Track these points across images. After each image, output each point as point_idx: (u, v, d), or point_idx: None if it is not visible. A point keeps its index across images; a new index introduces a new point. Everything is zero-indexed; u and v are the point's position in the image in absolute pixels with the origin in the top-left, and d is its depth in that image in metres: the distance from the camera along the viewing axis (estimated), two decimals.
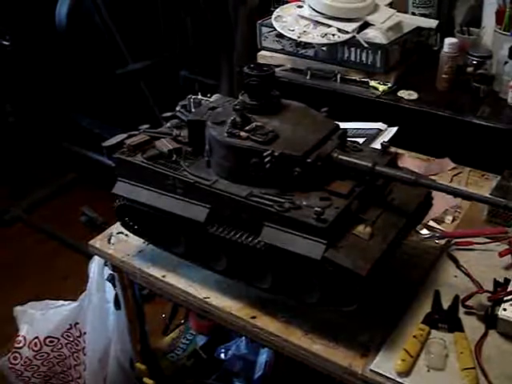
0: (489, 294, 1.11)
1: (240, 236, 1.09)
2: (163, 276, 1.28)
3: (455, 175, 1.58)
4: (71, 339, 1.65)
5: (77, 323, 1.62)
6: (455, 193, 1.06)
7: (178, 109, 1.38)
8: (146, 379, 1.56)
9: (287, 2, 2.80)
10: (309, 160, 1.07)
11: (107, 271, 1.47)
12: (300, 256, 1.02)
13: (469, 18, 2.14)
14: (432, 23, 1.93)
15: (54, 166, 3.11)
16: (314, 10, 1.86)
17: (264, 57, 2.04)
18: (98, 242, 1.39)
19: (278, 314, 1.16)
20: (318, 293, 1.06)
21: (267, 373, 1.54)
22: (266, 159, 1.05)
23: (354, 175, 1.11)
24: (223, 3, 2.95)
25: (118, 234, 1.40)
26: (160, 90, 2.92)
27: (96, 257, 1.49)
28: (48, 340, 1.69)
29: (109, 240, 1.39)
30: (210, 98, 1.40)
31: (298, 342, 1.11)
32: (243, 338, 1.66)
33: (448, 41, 1.76)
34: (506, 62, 1.71)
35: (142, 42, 2.88)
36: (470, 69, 1.84)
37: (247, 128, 1.10)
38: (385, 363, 1.03)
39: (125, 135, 1.28)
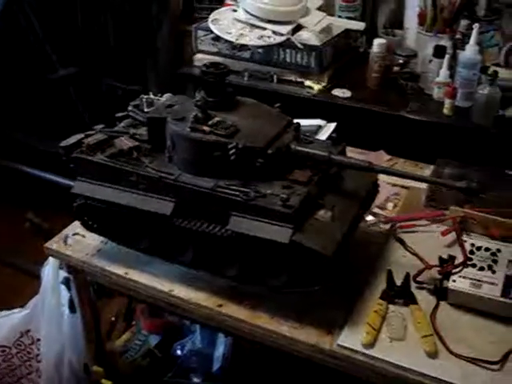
0: (438, 269, 1.21)
1: (207, 226, 1.13)
2: (125, 273, 1.29)
3: (391, 166, 1.69)
4: (22, 347, 1.62)
5: (28, 330, 1.59)
6: (409, 176, 1.16)
7: (130, 109, 1.40)
8: (104, 381, 1.55)
9: (210, 9, 2.90)
10: (270, 151, 1.13)
11: (61, 274, 1.46)
12: (268, 241, 1.07)
13: (390, 20, 2.29)
14: (360, 25, 2.05)
15: None
16: (249, 13, 1.93)
17: (200, 60, 2.09)
18: (54, 244, 1.38)
19: (244, 301, 1.20)
20: (284, 276, 1.12)
21: (225, 365, 1.58)
22: (231, 151, 1.10)
23: (311, 165, 1.19)
24: (145, 9, 2.97)
25: (73, 235, 1.40)
26: (83, 97, 2.89)
27: (50, 260, 1.48)
28: None
29: (65, 241, 1.38)
30: (161, 97, 1.43)
31: (266, 325, 1.16)
32: (198, 333, 1.69)
33: (377, 41, 1.89)
34: (430, 60, 1.85)
35: (68, 49, 2.84)
36: (396, 68, 1.98)
37: (209, 123, 1.14)
38: (350, 337, 1.11)
39: (81, 135, 1.29)
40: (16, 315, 1.60)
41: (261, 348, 1.36)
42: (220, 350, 1.60)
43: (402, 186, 1.55)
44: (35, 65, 2.60)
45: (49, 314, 1.51)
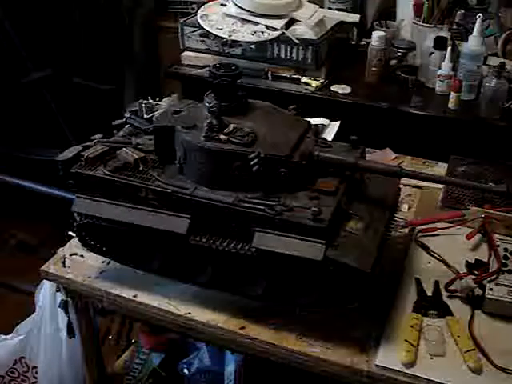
0: (472, 277, 1.14)
1: (227, 244, 1.04)
2: (134, 296, 1.19)
3: (399, 164, 1.62)
4: (16, 375, 1.50)
5: (22, 357, 1.48)
6: (447, 181, 1.09)
7: (127, 115, 1.29)
8: None
9: (185, 3, 2.79)
10: (294, 159, 1.04)
11: (58, 297, 1.35)
12: (297, 258, 0.99)
13: (379, 12, 2.22)
14: (355, 17, 1.98)
15: None
16: (240, 7, 1.83)
17: (188, 57, 1.98)
18: (51, 266, 1.26)
19: (268, 322, 1.11)
20: (316, 294, 1.03)
21: (238, 383, 1.49)
22: (253, 161, 1.00)
23: (333, 171, 1.10)
24: (117, 5, 2.84)
25: (72, 255, 1.29)
26: (56, 99, 2.75)
27: (46, 283, 1.36)
28: None
29: (63, 263, 1.27)
30: (159, 101, 1.33)
31: (294, 347, 1.08)
32: (204, 349, 1.60)
33: (376, 34, 1.81)
34: (431, 53, 1.78)
35: (39, 50, 2.69)
36: (393, 61, 1.90)
37: (225, 131, 1.05)
38: (388, 356, 1.03)
39: (79, 147, 1.18)
40: (9, 342, 1.48)
41: (273, 365, 1.29)
42: (231, 367, 1.51)
43: (415, 186, 1.48)
44: (7, 68, 2.45)
45: (46, 340, 1.40)
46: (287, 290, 1.05)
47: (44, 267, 1.26)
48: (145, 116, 1.28)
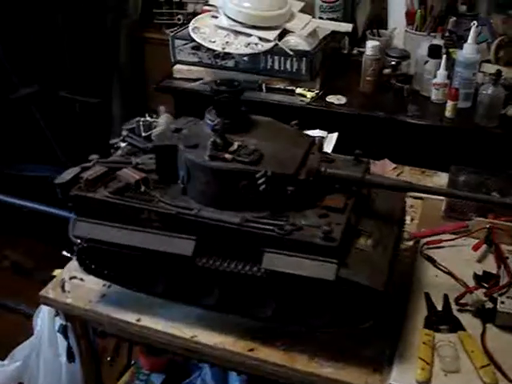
0: (484, 291, 1.13)
1: (235, 266, 1.01)
2: (138, 320, 1.15)
3: (397, 175, 1.61)
4: None
5: (21, 383, 1.43)
6: (458, 195, 1.07)
7: (125, 134, 1.26)
8: None
9: (170, 14, 2.76)
10: (301, 177, 1.02)
11: (57, 321, 1.31)
12: (308, 279, 0.96)
13: (370, 20, 2.22)
14: (347, 27, 1.96)
15: None
16: (232, 19, 1.81)
17: (180, 70, 1.95)
18: (50, 291, 1.23)
19: (277, 343, 1.09)
20: (328, 314, 1.01)
21: None
22: (260, 180, 0.98)
23: (339, 187, 1.08)
24: (101, 17, 2.81)
25: (71, 279, 1.25)
26: (44, 114, 2.71)
27: (43, 308, 1.33)
28: None
29: (62, 287, 1.24)
30: (157, 119, 1.30)
31: (306, 368, 1.05)
32: (207, 369, 1.56)
33: (370, 44, 1.80)
34: (426, 61, 1.77)
35: (25, 66, 2.65)
36: (387, 70, 1.89)
37: (230, 149, 1.02)
38: (403, 375, 1.01)
39: (77, 169, 1.14)
40: (7, 368, 1.43)
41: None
42: None
43: (417, 197, 1.47)
44: None
45: (46, 365, 1.36)
46: (297, 311, 1.03)
47: (43, 292, 1.23)
48: (143, 134, 1.25)
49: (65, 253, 1.66)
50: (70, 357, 1.36)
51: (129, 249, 1.06)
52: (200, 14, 2.47)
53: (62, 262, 1.50)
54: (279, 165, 1.02)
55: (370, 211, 1.10)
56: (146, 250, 1.05)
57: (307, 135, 1.14)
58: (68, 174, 1.13)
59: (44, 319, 1.32)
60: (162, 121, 1.28)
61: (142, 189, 1.09)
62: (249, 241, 0.99)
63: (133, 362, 1.69)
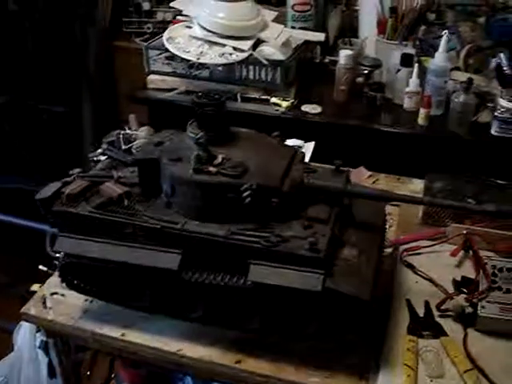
0: (465, 296, 1.15)
1: (222, 279, 1.01)
2: (122, 334, 1.14)
3: (373, 183, 1.63)
4: None
5: None
6: (437, 204, 1.10)
7: (105, 147, 1.26)
8: None
9: (139, 22, 2.75)
10: (285, 189, 1.03)
11: (38, 338, 1.29)
12: (295, 290, 0.97)
13: (339, 29, 2.25)
14: (320, 36, 1.99)
15: None
16: (205, 29, 1.81)
17: (154, 81, 1.95)
18: (31, 308, 1.20)
19: (264, 354, 1.09)
20: (314, 325, 1.02)
21: None
22: (246, 193, 0.98)
23: (322, 198, 1.09)
24: (69, 25, 2.78)
25: (52, 295, 1.24)
26: (13, 125, 2.67)
27: (24, 324, 1.30)
28: None
29: (44, 304, 1.22)
30: (136, 131, 1.30)
31: (294, 378, 1.06)
32: (188, 378, 1.56)
33: (344, 53, 1.82)
34: (398, 70, 1.81)
35: None
36: (360, 79, 1.92)
37: (215, 162, 1.03)
38: (389, 382, 1.02)
39: (58, 183, 1.13)
40: None
41: None
42: None
43: (393, 204, 1.49)
44: None
45: (27, 383, 1.33)
46: (284, 321, 1.04)
47: (24, 309, 1.20)
48: (123, 147, 1.25)
49: (41, 267, 1.64)
50: (52, 373, 1.35)
51: (114, 264, 1.05)
52: (169, 22, 2.49)
53: (39, 277, 1.48)
54: (264, 177, 1.02)
55: (352, 221, 1.12)
56: (132, 264, 1.04)
57: (289, 146, 1.15)
58: (49, 189, 1.11)
59: (25, 335, 1.30)
60: (142, 133, 1.29)
61: (126, 203, 1.08)
62: (235, 253, 1.00)
63: (112, 375, 1.67)
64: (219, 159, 1.03)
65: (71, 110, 2.84)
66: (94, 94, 2.87)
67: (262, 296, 1.01)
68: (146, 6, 2.65)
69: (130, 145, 1.24)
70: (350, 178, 1.19)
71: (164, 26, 2.62)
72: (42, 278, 1.42)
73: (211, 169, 1.02)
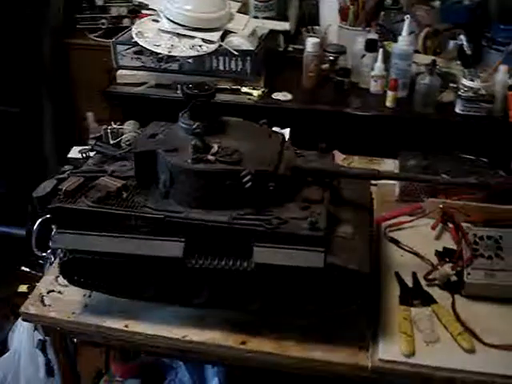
0: (451, 265, 1.22)
1: (226, 263, 1.05)
2: (125, 326, 1.16)
3: (348, 165, 1.68)
4: None
5: None
6: (420, 179, 1.16)
7: (92, 143, 1.26)
8: None
9: (93, 18, 2.72)
10: (280, 172, 1.07)
11: (36, 337, 1.29)
12: (297, 268, 1.01)
13: (299, 17, 2.30)
14: (284, 25, 2.03)
15: None
16: (174, 22, 1.83)
17: (123, 76, 1.95)
18: (30, 306, 1.21)
19: (268, 333, 1.13)
20: (316, 301, 1.07)
21: None
22: (245, 179, 1.02)
23: (313, 180, 1.14)
24: (20, 24, 2.73)
25: (49, 292, 1.24)
26: None
27: (20, 325, 1.30)
28: None
29: (42, 302, 1.22)
30: (121, 125, 1.31)
31: (297, 353, 1.10)
32: (182, 368, 1.59)
33: (311, 41, 1.87)
34: (363, 55, 1.87)
35: None
36: (325, 65, 1.97)
37: (212, 151, 1.06)
38: (389, 350, 1.08)
39: (53, 181, 1.14)
40: None
41: (256, 372, 1.31)
42: (215, 381, 1.51)
43: (371, 184, 1.55)
44: None
45: (28, 382, 1.33)
46: (287, 300, 1.08)
47: (23, 309, 1.20)
48: (111, 142, 1.25)
49: (24, 268, 1.63)
50: (50, 372, 1.35)
51: (119, 256, 1.07)
52: (125, 17, 2.48)
53: (21, 279, 1.48)
54: (260, 162, 1.06)
55: (343, 200, 1.17)
56: (136, 255, 1.06)
57: (276, 132, 1.19)
58: (45, 187, 1.12)
59: (22, 335, 1.30)
60: (129, 127, 1.30)
61: (124, 195, 1.10)
62: (238, 237, 1.03)
63: (103, 371, 1.68)
64: (215, 148, 1.07)
65: (28, 110, 2.79)
66: (52, 93, 2.83)
67: (265, 277, 1.05)
68: (100, 1, 2.62)
69: (118, 139, 1.25)
70: (334, 161, 1.25)
71: (119, 21, 2.62)
72: (24, 280, 1.43)
73: (210, 157, 1.05)
